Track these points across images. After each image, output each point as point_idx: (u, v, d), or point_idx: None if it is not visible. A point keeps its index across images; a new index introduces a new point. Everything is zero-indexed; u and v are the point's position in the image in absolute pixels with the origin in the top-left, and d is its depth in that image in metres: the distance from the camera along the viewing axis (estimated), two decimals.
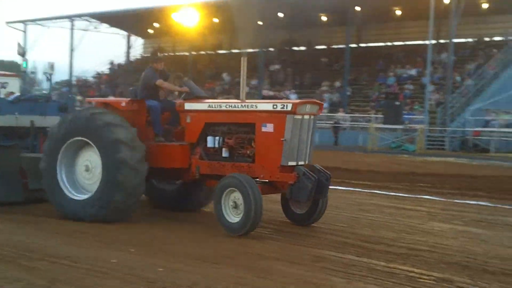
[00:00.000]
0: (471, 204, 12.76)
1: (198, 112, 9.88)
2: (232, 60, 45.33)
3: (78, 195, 9.74)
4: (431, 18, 30.44)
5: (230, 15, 39.78)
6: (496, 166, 21.88)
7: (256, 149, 9.19)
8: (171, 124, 10.32)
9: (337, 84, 38.99)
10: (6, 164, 10.78)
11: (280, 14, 39.89)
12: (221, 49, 49.05)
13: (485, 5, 35.56)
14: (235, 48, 48.35)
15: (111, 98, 11.84)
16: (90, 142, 9.60)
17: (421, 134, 29.93)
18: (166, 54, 38.77)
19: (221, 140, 9.57)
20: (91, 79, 55.09)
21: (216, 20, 41.75)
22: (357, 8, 37.25)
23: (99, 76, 54.93)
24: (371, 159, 23.27)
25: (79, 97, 38.55)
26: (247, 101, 9.59)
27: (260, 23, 39.95)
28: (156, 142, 10.01)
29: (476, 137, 29.60)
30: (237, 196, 8.69)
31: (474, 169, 19.76)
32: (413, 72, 36.87)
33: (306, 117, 9.13)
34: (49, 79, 15.49)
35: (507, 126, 29.65)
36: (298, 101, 9.46)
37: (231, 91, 40.67)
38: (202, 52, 47.07)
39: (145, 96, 10.29)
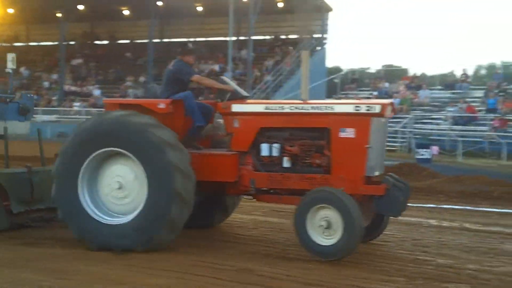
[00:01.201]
0: None
1: (251, 115, 8.42)
2: (30, 53, 43.23)
3: (109, 219, 8.09)
4: (231, 15, 31.41)
5: (26, 5, 38.03)
6: None
7: (332, 158, 7.98)
8: (192, 133, 8.64)
9: (142, 79, 38.72)
10: None
11: (80, 6, 38.71)
12: (18, 41, 46.44)
13: (280, 4, 37.26)
14: (33, 41, 46.16)
15: (143, 99, 9.42)
16: (135, 158, 7.88)
17: None
18: None
19: (280, 147, 8.28)
20: None
21: (11, 10, 39.55)
22: (159, 3, 37.22)
23: None
24: None
25: None
26: (314, 101, 8.34)
27: (59, 15, 38.65)
28: (198, 151, 8.45)
29: None
30: (330, 214, 7.46)
31: None
32: (216, 67, 37.69)
33: (383, 120, 8.18)
34: (8, 76, 12.41)
35: None
36: (384, 102, 8.21)
37: (31, 86, 38.77)
38: None
39: (171, 94, 8.66)
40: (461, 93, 29.89)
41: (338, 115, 7.97)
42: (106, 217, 8.05)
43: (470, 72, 39.20)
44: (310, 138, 8.15)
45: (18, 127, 10.08)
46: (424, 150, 21.75)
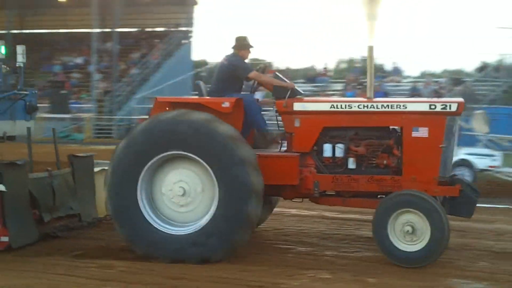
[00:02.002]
0: None
1: (315, 114, 7.95)
2: None
3: (173, 229, 7.45)
4: (95, 6, 30.65)
5: None
6: None
7: (404, 158, 7.66)
8: (245, 135, 7.92)
9: None
10: (15, 191, 7.75)
11: None
12: None
13: None
14: None
15: (205, 97, 8.29)
16: (204, 163, 7.27)
17: (88, 123, 29.98)
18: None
19: (345, 148, 7.87)
20: None
21: None
22: None
23: None
24: (37, 150, 22.54)
25: None
26: (383, 100, 8.03)
27: None
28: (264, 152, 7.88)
29: None
30: (414, 218, 7.14)
31: None
32: (79, 60, 36.62)
33: (456, 118, 7.90)
34: (18, 71, 10.64)
35: None
36: (460, 100, 7.77)
37: None
38: None
39: (224, 90, 8.10)
40: (322, 86, 30.98)
41: (411, 113, 7.67)
42: (170, 227, 7.47)
43: (332, 66, 40.77)
44: (377, 138, 7.86)
45: (24, 127, 9.01)
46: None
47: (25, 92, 10.49)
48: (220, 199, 7.19)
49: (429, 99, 8.15)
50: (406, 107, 7.68)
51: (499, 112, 23.98)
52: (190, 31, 38.20)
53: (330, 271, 7.07)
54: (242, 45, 8.39)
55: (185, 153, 7.31)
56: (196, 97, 8.56)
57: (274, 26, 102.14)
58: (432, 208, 7.07)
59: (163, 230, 7.38)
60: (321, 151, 7.91)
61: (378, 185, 7.65)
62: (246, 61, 8.48)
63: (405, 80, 29.28)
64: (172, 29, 36.95)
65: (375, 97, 8.20)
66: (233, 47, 8.40)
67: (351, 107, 7.82)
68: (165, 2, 37.46)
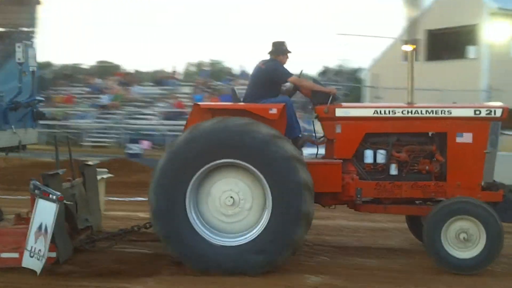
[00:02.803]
0: None
1: (357, 120, 7.81)
2: None
3: (226, 240, 7.19)
4: None
5: None
6: None
7: (448, 164, 7.63)
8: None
9: None
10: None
11: None
12: None
13: None
14: None
15: (251, 104, 7.73)
16: (259, 173, 7.06)
17: None
18: None
19: (387, 154, 7.74)
20: None
21: None
22: None
23: None
24: None
25: None
26: (425, 105, 7.82)
27: None
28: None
29: None
30: (467, 225, 7.19)
31: None
32: None
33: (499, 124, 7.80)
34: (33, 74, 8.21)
35: None
36: (503, 105, 7.77)
37: None
38: None
39: (262, 96, 7.79)
40: (171, 89, 30.97)
41: (456, 119, 7.70)
42: (223, 239, 7.23)
43: (181, 69, 40.92)
44: (419, 144, 7.85)
45: (32, 135, 7.63)
46: (135, 145, 22.14)
47: (40, 98, 9.59)
48: (272, 216, 7.07)
49: (474, 104, 8.23)
50: (450, 113, 7.74)
51: None
52: (33, 32, 36.71)
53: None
54: (280, 50, 8.18)
55: (248, 165, 7.13)
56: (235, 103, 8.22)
57: (122, 27, 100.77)
58: (489, 217, 7.18)
59: (217, 243, 7.19)
60: (362, 157, 7.85)
61: (422, 191, 7.67)
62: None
63: None
64: (13, 30, 35.29)
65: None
66: (270, 52, 8.19)
67: (395, 113, 7.80)
68: (6, 2, 35.72)
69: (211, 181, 7.32)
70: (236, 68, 32.37)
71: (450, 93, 21.99)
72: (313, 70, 35.55)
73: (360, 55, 78.51)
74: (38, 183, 6.86)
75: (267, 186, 7.06)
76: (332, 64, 30.87)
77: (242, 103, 7.89)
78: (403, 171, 7.81)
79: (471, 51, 29.78)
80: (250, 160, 7.06)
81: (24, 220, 7.50)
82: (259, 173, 7.08)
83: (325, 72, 30.68)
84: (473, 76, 26.73)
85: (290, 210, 6.97)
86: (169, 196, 7.13)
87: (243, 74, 30.37)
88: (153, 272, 7.19)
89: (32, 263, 6.73)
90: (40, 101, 9.58)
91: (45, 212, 6.74)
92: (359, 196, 7.64)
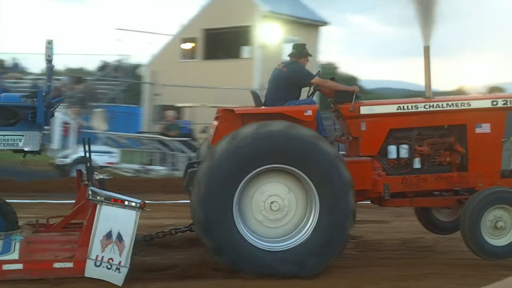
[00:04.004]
0: None
1: (381, 116, 7.97)
2: None
3: (266, 244, 7.08)
4: None
5: None
6: None
7: (469, 155, 7.95)
8: None
9: None
10: None
11: None
12: None
13: None
14: None
15: (286, 107, 7.35)
16: (304, 175, 7.04)
17: None
18: None
19: (410, 148, 7.93)
20: None
21: None
22: None
23: None
24: None
25: None
26: (445, 98, 8.22)
27: None
28: None
29: None
30: (503, 214, 7.57)
31: None
32: None
33: None
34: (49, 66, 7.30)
35: None
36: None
37: None
38: None
39: (284, 99, 7.75)
40: None
41: (475, 110, 7.96)
42: (263, 242, 7.08)
43: None
44: (439, 136, 8.09)
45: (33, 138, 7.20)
46: None
47: (60, 98, 8.80)
48: (320, 217, 7.05)
49: (492, 95, 8.46)
50: (470, 105, 8.00)
51: (118, 110, 25.18)
52: None
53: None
54: (301, 53, 8.21)
55: (293, 168, 7.05)
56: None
57: None
58: None
59: (255, 245, 7.04)
60: (386, 153, 7.99)
61: (446, 183, 7.92)
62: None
63: (26, 77, 28.67)
64: None
65: None
66: (290, 55, 8.21)
67: (417, 108, 7.99)
68: None
69: (254, 187, 7.22)
70: (9, 61, 30.51)
71: (226, 91, 22.99)
72: (91, 65, 34.65)
73: (139, 51, 78.22)
74: (95, 188, 6.48)
75: (312, 187, 7.07)
76: (111, 59, 30.22)
77: (275, 107, 7.70)
78: (425, 164, 8.07)
79: (245, 51, 31.13)
80: (295, 163, 7.05)
81: (44, 226, 7.34)
82: (304, 175, 7.07)
83: (104, 67, 30.07)
84: (247, 75, 27.77)
85: (339, 209, 7.01)
86: (217, 207, 6.96)
87: (16, 67, 28.90)
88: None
89: (101, 273, 6.27)
90: (61, 100, 8.32)
91: (117, 219, 6.34)
92: (387, 191, 7.76)
